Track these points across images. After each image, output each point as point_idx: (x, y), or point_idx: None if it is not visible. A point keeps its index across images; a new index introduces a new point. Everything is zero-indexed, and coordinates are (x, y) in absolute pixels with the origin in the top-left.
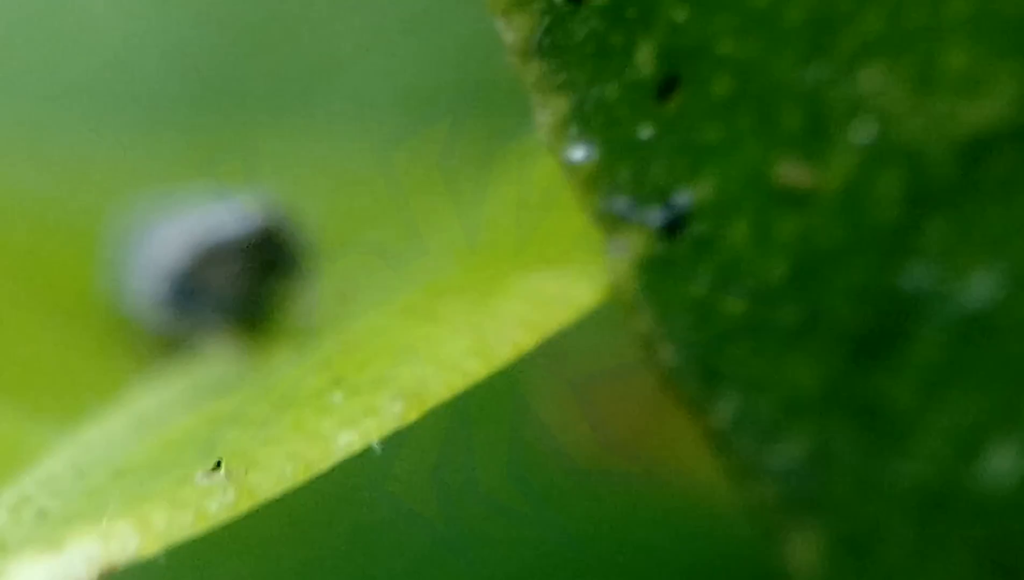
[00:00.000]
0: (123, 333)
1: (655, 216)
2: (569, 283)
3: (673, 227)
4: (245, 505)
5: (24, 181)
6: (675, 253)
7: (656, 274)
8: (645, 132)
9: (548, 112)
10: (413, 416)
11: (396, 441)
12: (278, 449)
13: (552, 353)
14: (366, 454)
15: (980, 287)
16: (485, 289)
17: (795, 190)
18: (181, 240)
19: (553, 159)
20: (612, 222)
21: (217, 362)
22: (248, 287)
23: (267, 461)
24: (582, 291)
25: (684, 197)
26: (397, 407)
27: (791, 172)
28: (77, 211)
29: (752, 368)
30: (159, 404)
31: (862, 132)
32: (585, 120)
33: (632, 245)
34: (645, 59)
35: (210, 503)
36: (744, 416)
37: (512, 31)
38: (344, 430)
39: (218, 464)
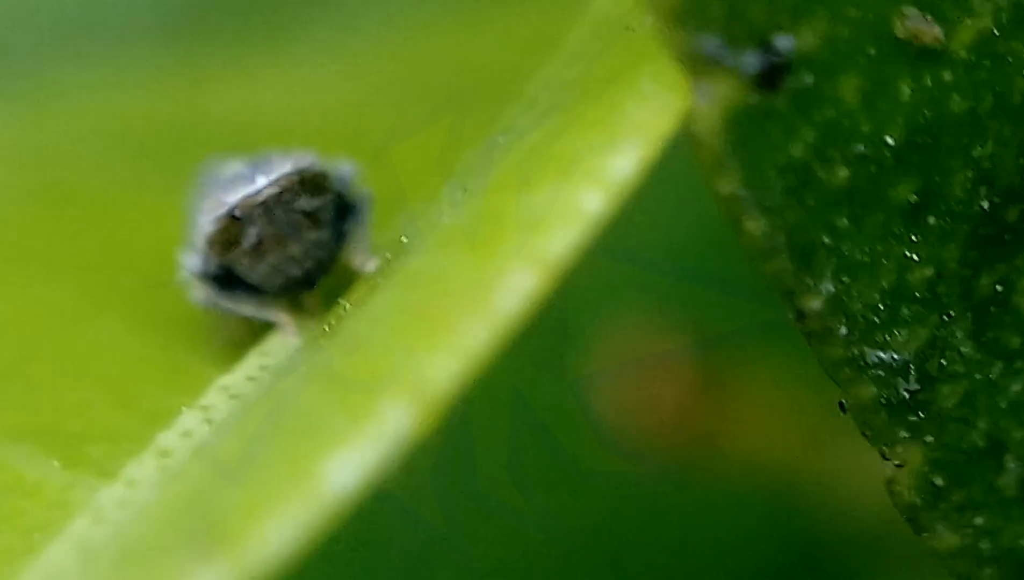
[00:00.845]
0: (199, 329)
1: (751, 61)
2: (572, 189)
3: (771, 76)
4: None
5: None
6: (772, 106)
7: (748, 129)
8: None
9: None
10: (423, 426)
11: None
12: (270, 504)
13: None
14: None
15: None
16: (491, 224)
17: (920, 44)
18: (211, 210)
19: None
20: (699, 64)
21: (278, 348)
22: (294, 246)
23: (260, 525)
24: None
25: (786, 41)
26: (400, 418)
27: (917, 23)
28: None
29: (855, 245)
30: (186, 437)
31: None
32: None
33: (722, 93)
34: None
35: None
36: (842, 300)
37: None
38: (338, 463)
39: (207, 539)
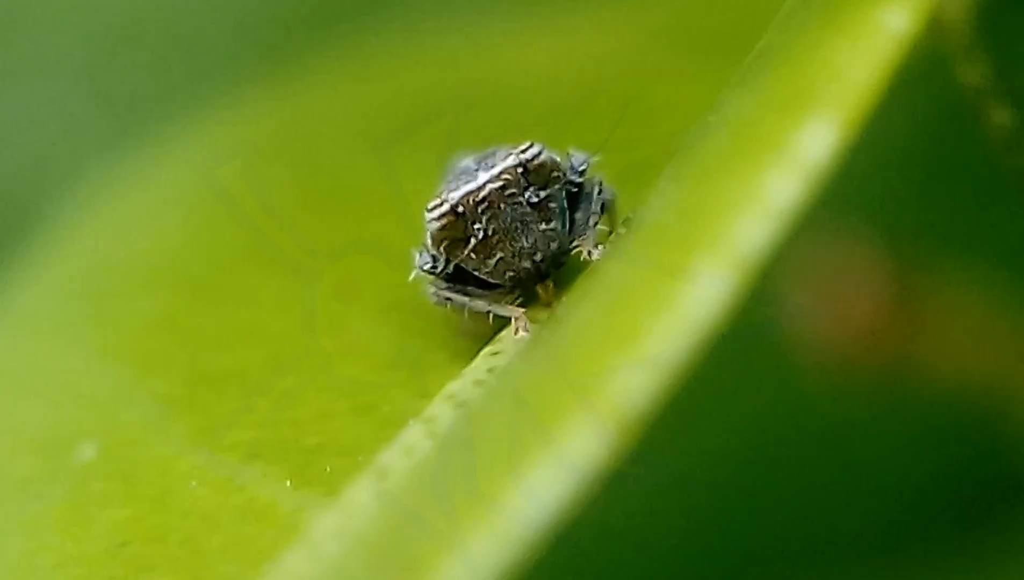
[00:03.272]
0: (440, 325)
1: None
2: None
3: None
4: None
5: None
6: None
7: (1001, 15)
8: None
9: None
10: (616, 449)
11: None
12: (456, 543)
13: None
14: None
15: None
16: (686, 220)
17: None
18: (435, 208)
19: None
20: None
21: (509, 344)
22: (523, 239)
23: (446, 567)
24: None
25: None
26: (589, 444)
27: None
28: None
29: None
30: (407, 455)
31: None
32: None
33: None
34: None
35: None
36: None
37: None
38: (526, 493)
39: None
